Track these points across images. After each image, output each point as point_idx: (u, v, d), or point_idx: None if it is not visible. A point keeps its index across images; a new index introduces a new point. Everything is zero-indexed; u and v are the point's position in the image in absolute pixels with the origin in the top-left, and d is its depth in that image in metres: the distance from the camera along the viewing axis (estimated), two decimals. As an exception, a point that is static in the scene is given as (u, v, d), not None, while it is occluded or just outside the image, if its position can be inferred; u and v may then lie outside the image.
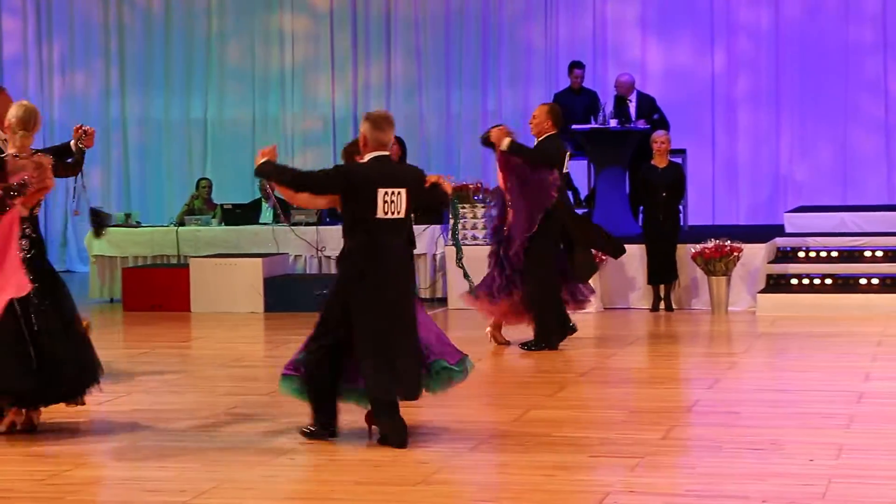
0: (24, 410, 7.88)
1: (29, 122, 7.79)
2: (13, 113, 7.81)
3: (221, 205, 15.77)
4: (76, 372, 7.85)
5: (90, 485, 6.56)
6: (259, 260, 14.39)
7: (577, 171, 15.30)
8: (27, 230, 7.82)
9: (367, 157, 7.42)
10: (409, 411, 7.70)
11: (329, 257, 14.91)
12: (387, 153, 7.48)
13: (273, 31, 17.88)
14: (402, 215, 7.41)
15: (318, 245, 14.98)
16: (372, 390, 7.35)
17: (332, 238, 15.10)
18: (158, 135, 17.81)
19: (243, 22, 17.93)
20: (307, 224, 15.01)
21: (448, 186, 7.88)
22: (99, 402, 8.87)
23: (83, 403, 8.00)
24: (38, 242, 7.91)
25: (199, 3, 17.99)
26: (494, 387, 9.62)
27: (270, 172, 7.46)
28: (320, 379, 7.43)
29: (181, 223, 15.53)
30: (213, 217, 15.64)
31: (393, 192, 7.31)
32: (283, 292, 14.16)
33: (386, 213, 7.30)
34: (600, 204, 14.65)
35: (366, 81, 17.71)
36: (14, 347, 7.62)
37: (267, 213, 15.91)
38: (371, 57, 17.73)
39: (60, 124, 17.66)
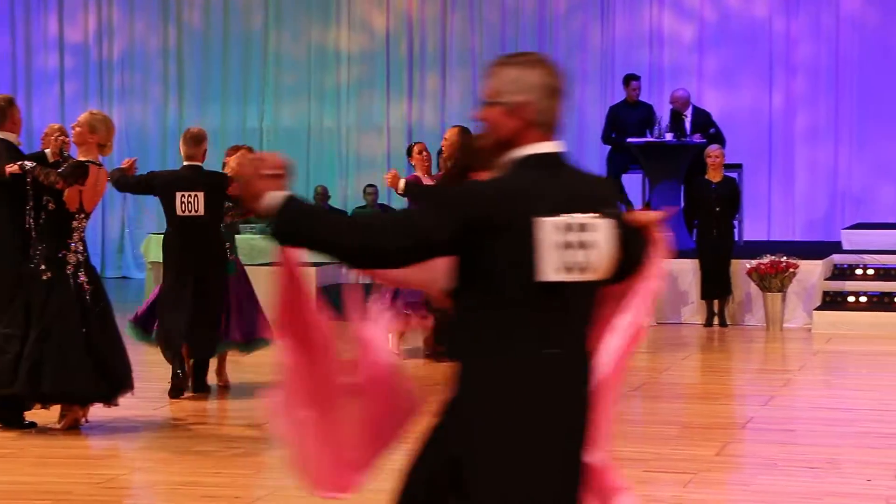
0: (87, 408, 8.08)
1: (100, 131, 8.08)
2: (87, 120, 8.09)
3: (276, 213, 15.85)
4: (120, 373, 8.07)
5: (146, 489, 6.62)
6: (313, 268, 14.44)
7: (632, 184, 15.25)
8: (83, 234, 8.08)
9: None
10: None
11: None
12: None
13: (330, 46, 17.92)
14: None
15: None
16: None
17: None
18: (215, 145, 17.87)
19: (300, 36, 18.00)
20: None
21: None
22: (154, 406, 8.94)
23: (117, 405, 8.14)
24: (86, 246, 8.16)
25: (256, 12, 18.09)
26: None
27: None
28: None
29: (237, 231, 15.59)
30: (268, 226, 15.71)
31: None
32: (336, 301, 14.18)
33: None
34: (655, 218, 14.57)
35: (421, 93, 17.73)
36: (81, 351, 7.85)
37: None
38: (426, 69, 17.74)
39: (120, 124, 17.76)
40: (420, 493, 3.52)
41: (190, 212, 9.26)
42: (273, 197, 3.32)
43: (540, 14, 17.24)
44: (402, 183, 10.46)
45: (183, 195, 9.24)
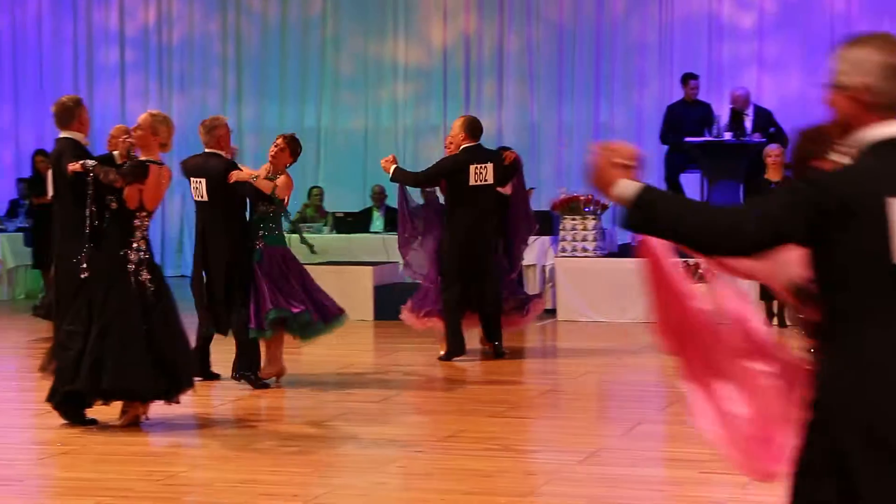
0: (147, 405, 8.20)
1: (159, 132, 8.25)
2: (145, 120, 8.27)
3: (333, 213, 15.92)
4: (181, 370, 8.22)
5: (205, 486, 6.67)
6: (369, 268, 14.50)
7: (690, 184, 15.17)
8: (146, 233, 8.23)
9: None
10: (517, 421, 7.69)
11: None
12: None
13: (387, 54, 17.95)
14: None
15: (428, 254, 15.03)
16: None
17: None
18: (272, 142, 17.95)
19: (357, 39, 18.04)
20: (418, 233, 15.08)
21: None
22: (214, 404, 9.02)
23: (178, 402, 8.25)
24: (150, 245, 8.32)
25: (314, 10, 18.16)
26: (604, 400, 9.60)
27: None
28: None
29: (293, 231, 15.69)
30: (325, 225, 15.80)
31: None
32: (393, 301, 14.23)
33: None
34: (713, 217, 14.49)
35: (478, 93, 17.73)
36: (141, 348, 7.99)
37: (378, 222, 16.04)
38: (483, 73, 17.72)
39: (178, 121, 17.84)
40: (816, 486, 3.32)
41: (198, 198, 9.70)
42: (626, 186, 3.34)
43: (597, 16, 17.18)
44: (392, 168, 10.96)
45: (193, 181, 9.69)
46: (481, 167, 10.87)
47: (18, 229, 16.27)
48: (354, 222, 15.73)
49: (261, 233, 9.70)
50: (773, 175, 13.38)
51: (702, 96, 15.72)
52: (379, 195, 16.38)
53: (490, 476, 7.00)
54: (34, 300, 14.05)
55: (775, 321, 13.19)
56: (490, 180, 10.89)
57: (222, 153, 9.77)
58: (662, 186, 13.92)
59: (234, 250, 9.56)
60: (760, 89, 16.35)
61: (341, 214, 15.80)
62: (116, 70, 18.69)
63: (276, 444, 7.80)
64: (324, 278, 14.15)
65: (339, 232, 15.54)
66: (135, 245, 8.14)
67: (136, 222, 8.15)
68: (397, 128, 17.91)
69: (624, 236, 15.44)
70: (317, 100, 18.13)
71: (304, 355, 11.51)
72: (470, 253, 10.84)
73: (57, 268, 8.52)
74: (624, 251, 14.51)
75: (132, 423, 8.14)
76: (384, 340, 12.92)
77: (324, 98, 18.11)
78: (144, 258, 8.16)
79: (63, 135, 8.45)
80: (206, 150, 9.78)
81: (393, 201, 16.90)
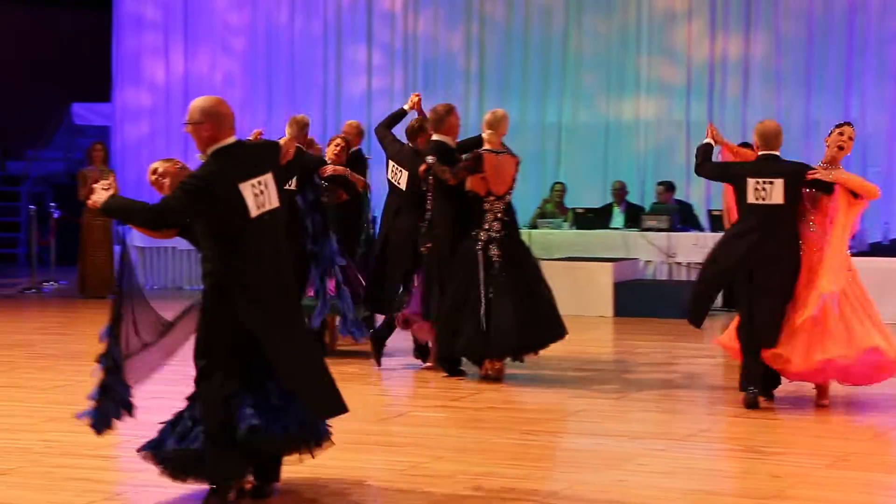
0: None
1: (492, 122, 9.80)
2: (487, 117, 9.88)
3: (573, 209, 15.88)
4: (525, 331, 9.43)
5: (446, 478, 6.71)
6: (609, 264, 14.41)
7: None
8: (499, 214, 9.54)
9: None
10: (760, 423, 7.49)
11: (679, 264, 14.78)
12: None
13: (630, 43, 17.74)
14: None
15: (668, 251, 14.87)
16: None
17: (683, 245, 14.98)
18: (514, 138, 17.93)
19: (600, 35, 17.89)
20: (658, 230, 14.92)
21: None
22: (453, 396, 9.10)
23: (536, 354, 9.70)
24: (511, 225, 9.64)
25: (557, 25, 18.11)
26: (851, 404, 9.28)
27: None
28: None
29: (533, 226, 15.74)
30: (565, 221, 15.77)
31: None
32: (632, 297, 14.13)
33: None
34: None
35: (722, 89, 17.37)
36: (475, 315, 9.36)
37: (618, 218, 15.92)
38: (728, 73, 17.35)
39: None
40: None
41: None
42: None
43: (850, 9, 16.61)
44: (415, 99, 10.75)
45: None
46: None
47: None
48: (594, 218, 15.66)
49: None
50: None
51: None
52: (619, 191, 16.25)
53: (734, 477, 6.86)
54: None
55: None
56: None
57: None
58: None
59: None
60: None
61: (581, 210, 15.75)
62: (363, 69, 18.96)
63: (515, 438, 7.81)
64: (563, 274, 14.20)
65: (578, 228, 15.49)
66: (486, 226, 9.50)
67: (486, 206, 9.54)
68: (638, 123, 17.68)
69: (875, 234, 14.93)
70: (558, 97, 18.05)
71: (542, 351, 11.53)
72: None
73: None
74: (877, 250, 14.06)
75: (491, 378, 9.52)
76: (623, 337, 12.82)
77: (565, 94, 18.02)
78: (495, 237, 9.49)
79: (435, 137, 9.89)
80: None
81: (633, 197, 16.78)
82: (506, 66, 18.26)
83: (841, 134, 8.81)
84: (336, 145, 10.90)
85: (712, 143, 9.19)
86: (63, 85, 22.12)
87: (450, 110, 9.95)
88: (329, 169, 10.38)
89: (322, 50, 18.73)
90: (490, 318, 9.37)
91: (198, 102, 6.12)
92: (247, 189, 6.02)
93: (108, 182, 6.18)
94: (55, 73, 22.42)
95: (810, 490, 6.60)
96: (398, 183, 10.27)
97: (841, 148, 8.77)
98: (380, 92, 18.66)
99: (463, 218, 9.64)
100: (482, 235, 9.54)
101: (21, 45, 22.65)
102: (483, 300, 9.39)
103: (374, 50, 18.63)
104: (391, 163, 10.39)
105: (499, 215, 9.58)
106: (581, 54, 17.86)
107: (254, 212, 6.03)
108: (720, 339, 9.21)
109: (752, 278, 8.63)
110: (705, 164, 9.13)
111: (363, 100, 18.48)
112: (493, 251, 9.49)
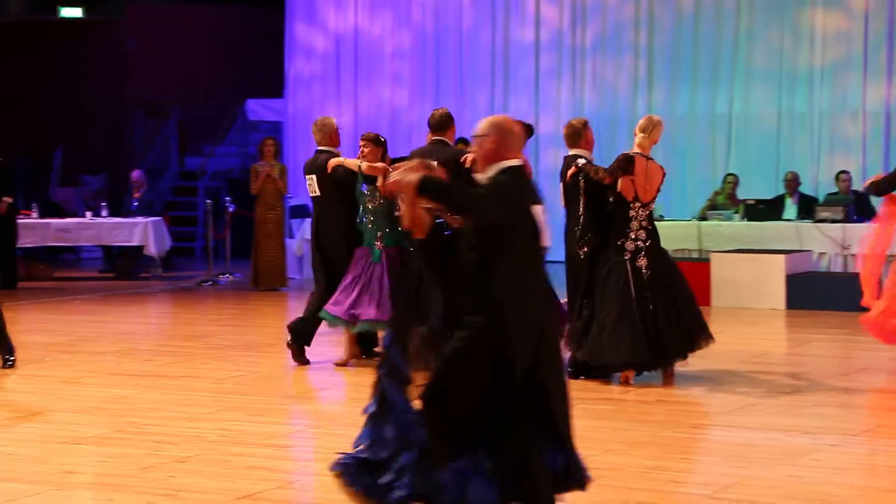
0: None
1: (646, 127, 9.31)
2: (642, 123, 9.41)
3: (744, 200, 15.65)
4: (677, 340, 9.14)
5: (616, 471, 6.69)
6: (782, 256, 14.17)
7: None
8: (644, 223, 9.17)
9: None
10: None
11: (855, 255, 14.44)
12: None
13: (803, 29, 17.42)
14: None
15: (843, 243, 14.54)
16: None
17: (858, 236, 14.61)
18: (683, 129, 17.84)
19: (772, 19, 17.60)
20: (833, 221, 14.61)
21: None
22: (620, 391, 9.05)
23: (685, 358, 9.28)
24: (654, 233, 9.24)
25: (728, 1, 17.85)
26: None
27: None
28: None
29: (703, 218, 15.55)
30: (736, 213, 15.54)
31: None
32: (806, 290, 13.87)
33: None
34: None
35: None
36: (634, 325, 9.01)
37: (790, 210, 15.63)
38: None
39: (590, 111, 17.98)
40: None
41: (312, 193, 10.49)
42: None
43: None
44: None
45: (307, 178, 10.48)
46: None
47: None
48: (766, 209, 15.41)
49: (378, 232, 10.01)
50: None
51: None
52: (792, 182, 15.96)
53: (911, 474, 6.69)
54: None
55: None
56: None
57: (333, 150, 10.45)
58: None
59: (344, 241, 10.12)
60: None
61: (752, 202, 15.50)
62: (531, 51, 18.97)
63: (685, 432, 7.75)
64: (735, 266, 14.01)
65: (750, 219, 15.26)
66: (631, 234, 9.13)
67: (631, 213, 9.14)
68: (812, 110, 17.33)
69: None
70: (728, 86, 17.81)
71: (712, 344, 11.40)
72: None
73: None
74: None
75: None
76: (796, 330, 12.59)
77: (735, 84, 17.77)
78: (642, 247, 9.12)
79: (571, 152, 9.42)
80: (319, 148, 10.51)
81: (807, 188, 16.47)
82: (675, 55, 18.11)
83: None
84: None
85: None
86: (238, 81, 22.61)
87: (585, 124, 9.50)
88: None
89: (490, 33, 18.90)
90: (646, 329, 9.05)
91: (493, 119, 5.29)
92: (538, 214, 5.19)
93: (426, 163, 5.18)
94: (231, 69, 22.94)
95: None
96: None
97: None
98: (547, 71, 18.73)
99: (605, 226, 9.30)
100: (629, 245, 9.16)
101: (206, 42, 23.21)
102: (637, 312, 9.04)
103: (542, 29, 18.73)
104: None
105: (643, 223, 9.21)
106: (752, 37, 17.61)
107: (545, 241, 5.23)
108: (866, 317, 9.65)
109: None
110: None
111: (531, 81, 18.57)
112: (641, 261, 9.14)
